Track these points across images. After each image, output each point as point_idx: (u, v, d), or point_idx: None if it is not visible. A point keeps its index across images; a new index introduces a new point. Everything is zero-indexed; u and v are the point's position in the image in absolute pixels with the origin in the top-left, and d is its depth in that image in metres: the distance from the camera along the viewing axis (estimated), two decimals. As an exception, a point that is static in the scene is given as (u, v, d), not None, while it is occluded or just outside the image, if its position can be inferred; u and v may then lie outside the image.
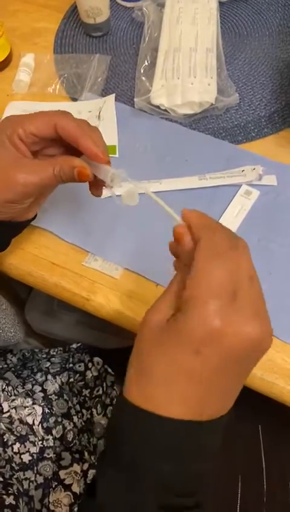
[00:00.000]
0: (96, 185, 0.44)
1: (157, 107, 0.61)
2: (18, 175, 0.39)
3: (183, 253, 0.33)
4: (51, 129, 0.40)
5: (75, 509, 0.48)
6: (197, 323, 0.27)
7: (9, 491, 0.43)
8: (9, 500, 0.42)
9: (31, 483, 0.48)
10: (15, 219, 0.44)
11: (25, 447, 0.51)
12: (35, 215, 0.48)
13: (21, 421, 0.52)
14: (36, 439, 0.52)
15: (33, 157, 0.42)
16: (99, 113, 0.62)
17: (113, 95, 0.64)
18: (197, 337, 0.27)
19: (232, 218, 0.54)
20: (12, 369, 0.66)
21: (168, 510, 0.30)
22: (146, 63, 0.66)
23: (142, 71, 0.65)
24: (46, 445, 0.53)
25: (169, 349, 0.29)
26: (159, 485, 0.30)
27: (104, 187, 0.43)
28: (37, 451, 0.51)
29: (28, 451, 0.51)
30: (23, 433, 0.52)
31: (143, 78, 0.64)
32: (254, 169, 0.56)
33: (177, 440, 0.29)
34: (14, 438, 0.51)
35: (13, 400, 0.54)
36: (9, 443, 0.50)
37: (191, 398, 0.29)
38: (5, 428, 0.50)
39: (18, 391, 0.58)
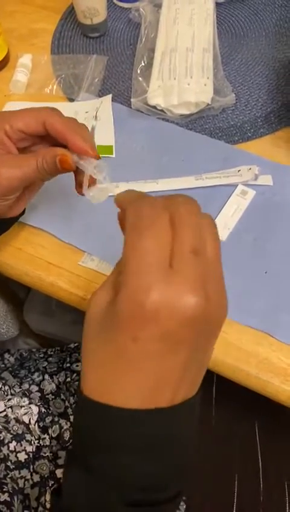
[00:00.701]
0: (82, 183, 0.43)
1: (154, 107, 0.61)
2: (1, 169, 0.39)
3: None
4: (40, 126, 0.40)
5: None
6: (128, 307, 0.25)
7: (4, 489, 0.43)
8: (4, 497, 0.42)
9: (26, 482, 0.48)
10: (0, 216, 0.44)
11: (21, 445, 0.51)
12: (23, 212, 0.48)
13: (17, 420, 0.53)
14: (32, 438, 0.52)
15: (18, 153, 0.42)
16: (96, 113, 0.62)
17: (110, 95, 0.64)
18: (131, 323, 0.25)
19: (228, 217, 0.54)
20: (10, 368, 0.66)
21: (138, 507, 0.28)
22: (143, 64, 0.66)
23: (139, 72, 0.65)
24: (42, 444, 0.53)
25: (108, 336, 0.27)
26: (122, 482, 0.28)
27: (84, 186, 0.42)
28: (33, 450, 0.52)
29: (24, 449, 0.51)
30: (20, 432, 0.52)
31: (140, 78, 0.64)
32: (250, 169, 0.56)
33: (132, 431, 0.27)
34: (11, 436, 0.51)
35: (9, 399, 0.54)
36: (6, 441, 0.50)
37: (141, 387, 0.26)
38: (1, 427, 0.51)
39: (15, 390, 0.58)
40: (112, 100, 0.64)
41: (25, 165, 0.39)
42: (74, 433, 0.30)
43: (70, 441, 0.55)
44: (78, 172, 0.42)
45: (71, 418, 0.58)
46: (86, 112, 0.63)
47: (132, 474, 0.28)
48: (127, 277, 0.25)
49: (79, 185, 0.43)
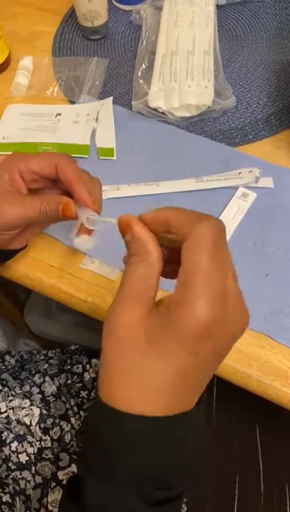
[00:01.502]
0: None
1: (155, 109, 0.62)
2: (6, 205, 0.40)
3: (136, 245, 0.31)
4: (52, 169, 0.41)
5: None
6: (193, 322, 0.26)
7: (6, 490, 0.43)
8: (6, 497, 0.42)
9: (27, 483, 0.49)
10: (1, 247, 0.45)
11: (23, 446, 0.51)
12: (25, 247, 0.49)
13: (18, 421, 0.53)
14: (34, 439, 0.52)
15: (27, 194, 0.43)
16: (97, 115, 0.62)
17: (111, 97, 0.65)
18: (194, 337, 0.26)
19: (229, 220, 0.54)
20: (10, 370, 0.66)
21: (150, 502, 0.29)
22: (144, 66, 0.66)
23: (139, 74, 0.65)
24: (44, 445, 0.53)
25: (162, 349, 0.27)
26: (137, 480, 0.28)
27: (73, 233, 0.44)
28: (35, 451, 0.52)
29: (25, 451, 0.51)
30: (21, 433, 0.52)
31: (141, 81, 0.64)
32: (250, 171, 0.56)
33: (160, 437, 0.28)
34: (13, 436, 0.51)
35: (11, 400, 0.54)
36: (8, 441, 0.50)
37: (179, 395, 0.28)
38: (2, 428, 0.51)
39: (16, 392, 0.58)
40: (113, 102, 0.64)
41: (29, 206, 0.41)
42: (92, 445, 0.30)
43: (71, 443, 0.55)
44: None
45: (72, 420, 0.58)
46: (87, 114, 0.63)
47: (149, 473, 0.29)
48: (192, 294, 0.26)
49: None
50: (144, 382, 0.28)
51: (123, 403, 0.28)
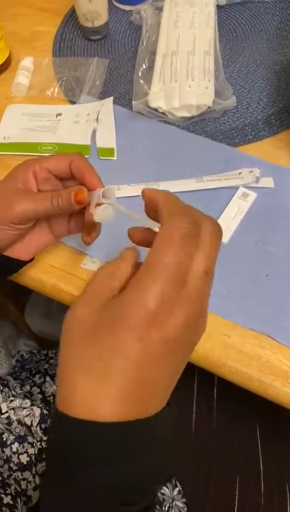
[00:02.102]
0: (88, 231, 0.45)
1: (155, 110, 0.62)
2: (17, 198, 0.41)
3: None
4: (66, 166, 0.42)
5: None
6: (141, 306, 0.26)
7: (7, 491, 0.43)
8: (7, 499, 0.42)
9: (28, 484, 0.49)
10: (4, 251, 0.45)
11: (24, 447, 0.51)
12: (30, 261, 0.48)
13: (19, 422, 0.53)
14: (34, 440, 0.52)
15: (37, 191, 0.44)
16: (98, 116, 0.62)
17: (111, 98, 0.65)
18: (139, 323, 0.26)
19: (229, 220, 0.54)
20: (11, 370, 0.66)
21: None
22: (144, 66, 0.66)
23: (140, 74, 0.65)
24: (44, 446, 0.53)
25: (106, 337, 0.26)
26: (98, 496, 0.27)
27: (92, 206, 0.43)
28: (36, 452, 0.52)
29: (26, 451, 0.51)
30: (22, 434, 0.52)
31: (141, 81, 0.64)
32: (251, 171, 0.56)
33: (119, 444, 0.26)
34: (13, 437, 0.51)
35: (12, 400, 0.54)
36: (8, 442, 0.50)
37: (133, 394, 0.26)
38: (3, 429, 0.51)
39: (16, 392, 0.58)
40: (113, 103, 0.64)
41: (40, 199, 0.42)
42: (51, 451, 0.29)
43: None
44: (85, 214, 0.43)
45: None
46: (88, 115, 0.63)
47: (112, 486, 0.27)
48: (142, 282, 0.27)
49: (86, 234, 0.45)
50: (94, 378, 0.26)
51: (71, 406, 0.27)
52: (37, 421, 0.54)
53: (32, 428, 0.54)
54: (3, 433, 0.51)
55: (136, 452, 0.27)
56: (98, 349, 0.27)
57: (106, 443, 0.26)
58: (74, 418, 0.26)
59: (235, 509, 0.56)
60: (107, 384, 0.26)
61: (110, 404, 0.26)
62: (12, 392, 0.58)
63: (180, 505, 0.55)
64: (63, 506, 0.28)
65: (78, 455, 0.26)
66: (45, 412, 0.56)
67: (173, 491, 0.57)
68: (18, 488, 0.46)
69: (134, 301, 0.26)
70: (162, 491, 0.56)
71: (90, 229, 0.44)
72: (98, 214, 0.41)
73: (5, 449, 0.49)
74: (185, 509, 0.56)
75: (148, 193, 0.33)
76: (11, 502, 0.43)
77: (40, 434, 0.54)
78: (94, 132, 0.62)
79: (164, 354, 0.27)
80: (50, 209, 0.42)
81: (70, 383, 0.27)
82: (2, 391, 0.56)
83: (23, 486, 0.48)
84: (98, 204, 0.41)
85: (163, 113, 0.62)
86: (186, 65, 0.61)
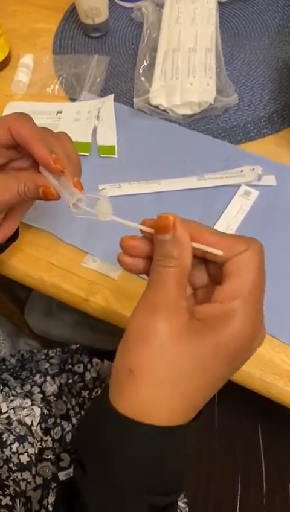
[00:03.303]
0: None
1: (156, 107, 0.61)
2: None
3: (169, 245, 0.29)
4: (7, 133, 0.37)
5: None
6: (237, 337, 0.27)
7: (6, 492, 0.43)
8: (6, 500, 0.42)
9: (28, 484, 0.48)
10: None
11: (24, 447, 0.51)
12: (16, 236, 0.46)
13: (19, 421, 0.52)
14: (35, 440, 0.52)
15: None
16: (98, 113, 0.62)
17: (112, 95, 0.64)
18: (233, 351, 0.28)
19: (231, 218, 0.53)
20: (11, 370, 0.66)
21: (153, 508, 0.29)
22: (145, 64, 0.65)
23: (141, 71, 0.65)
24: (45, 446, 0.53)
25: (202, 360, 0.28)
26: (143, 488, 0.29)
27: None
28: (36, 452, 0.51)
29: (26, 452, 0.50)
30: (22, 433, 0.52)
31: (142, 78, 0.64)
32: (253, 169, 0.56)
33: (172, 446, 0.28)
34: (13, 437, 0.50)
35: (12, 400, 0.54)
36: (8, 442, 0.50)
37: (197, 404, 0.29)
38: (3, 429, 0.50)
39: (16, 392, 0.58)
40: (114, 100, 0.64)
41: (5, 190, 0.38)
42: (96, 444, 0.30)
43: (73, 443, 0.55)
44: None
45: (73, 420, 0.57)
46: (88, 112, 0.63)
47: (155, 481, 0.29)
48: (247, 310, 0.28)
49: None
50: (178, 393, 0.28)
51: (145, 414, 0.28)
52: (38, 421, 0.54)
53: (32, 428, 0.53)
54: (3, 433, 0.50)
55: (174, 452, 0.29)
56: (191, 373, 0.28)
57: (148, 442, 0.28)
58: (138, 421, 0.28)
59: (237, 509, 0.56)
60: (184, 406, 0.28)
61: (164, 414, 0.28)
62: (13, 391, 0.57)
63: (182, 505, 0.55)
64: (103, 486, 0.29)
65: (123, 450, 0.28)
66: (45, 411, 0.55)
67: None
68: (17, 489, 0.46)
69: (231, 330, 0.27)
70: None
71: None
72: (100, 212, 0.36)
73: (4, 449, 0.49)
74: (187, 509, 0.55)
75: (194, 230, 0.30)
76: (10, 503, 0.43)
77: (40, 434, 0.53)
78: (95, 130, 0.61)
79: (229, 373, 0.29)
80: (18, 199, 0.38)
81: (151, 399, 0.28)
82: (2, 391, 0.56)
83: (23, 487, 0.47)
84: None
85: (164, 110, 0.61)
86: (187, 62, 0.61)
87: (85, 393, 0.61)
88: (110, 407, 0.28)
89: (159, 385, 0.28)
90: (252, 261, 0.28)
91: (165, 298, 0.28)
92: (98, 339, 0.84)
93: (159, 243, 0.29)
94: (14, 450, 0.50)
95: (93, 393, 0.61)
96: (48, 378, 0.62)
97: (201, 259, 0.31)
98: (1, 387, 0.56)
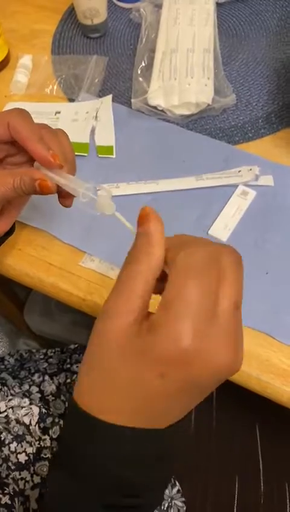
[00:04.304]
0: (65, 195, 0.41)
1: (155, 107, 0.61)
2: None
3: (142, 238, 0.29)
4: (5, 129, 0.38)
5: None
6: (166, 346, 0.25)
7: (5, 491, 0.43)
8: (5, 499, 0.42)
9: (26, 483, 0.48)
10: None
11: (22, 446, 0.51)
12: (12, 231, 0.47)
13: (18, 421, 0.52)
14: (33, 439, 0.52)
15: None
16: (97, 113, 0.62)
17: (111, 95, 0.64)
18: (164, 360, 0.25)
19: (228, 218, 0.54)
20: (10, 369, 0.66)
21: (112, 509, 0.29)
22: (143, 64, 0.66)
23: (139, 72, 0.65)
24: (43, 445, 0.53)
25: (133, 365, 0.27)
26: (103, 487, 0.29)
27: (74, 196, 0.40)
28: (34, 451, 0.51)
29: (25, 451, 0.51)
30: (20, 433, 0.52)
31: (140, 79, 0.64)
32: (250, 169, 0.56)
33: (130, 448, 0.28)
34: (11, 437, 0.51)
35: (10, 399, 0.54)
36: (6, 442, 0.50)
37: (146, 413, 0.28)
38: (1, 428, 0.51)
39: (15, 391, 0.58)
40: (113, 100, 0.64)
41: (1, 184, 0.38)
42: (62, 438, 0.31)
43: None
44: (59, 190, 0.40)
45: (72, 419, 0.57)
46: (87, 112, 0.63)
47: (114, 482, 0.29)
48: (170, 317, 0.25)
49: (62, 196, 0.41)
50: (117, 393, 0.28)
51: (99, 409, 0.28)
52: (36, 420, 0.54)
53: (30, 427, 0.53)
54: (1, 432, 0.50)
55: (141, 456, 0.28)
56: (126, 375, 0.27)
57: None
58: (91, 415, 0.28)
59: (235, 508, 0.56)
60: (128, 410, 0.28)
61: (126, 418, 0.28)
62: (11, 391, 0.57)
63: (180, 504, 0.55)
64: (71, 488, 0.30)
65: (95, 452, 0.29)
66: (44, 411, 0.55)
67: (172, 490, 0.56)
68: (16, 488, 0.46)
69: (161, 338, 0.25)
70: (161, 490, 0.56)
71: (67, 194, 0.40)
72: (100, 207, 0.36)
73: (3, 448, 0.49)
74: (184, 508, 0.55)
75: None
76: (9, 502, 0.43)
77: (39, 433, 0.54)
78: (93, 130, 0.61)
79: (186, 390, 0.27)
80: (14, 194, 0.38)
81: (100, 394, 0.28)
82: (0, 390, 0.56)
83: (21, 486, 0.48)
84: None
85: (162, 110, 0.62)
86: (185, 63, 0.61)
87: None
88: (72, 398, 0.30)
89: (94, 379, 0.28)
90: (180, 265, 0.27)
91: (118, 298, 0.28)
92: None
93: (136, 237, 0.29)
94: (12, 449, 0.50)
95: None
96: (47, 377, 0.62)
97: None
98: (0, 387, 0.56)
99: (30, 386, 0.60)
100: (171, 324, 0.25)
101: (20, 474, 0.49)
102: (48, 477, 0.31)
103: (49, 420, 0.55)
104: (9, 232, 0.47)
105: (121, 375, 0.27)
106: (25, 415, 0.54)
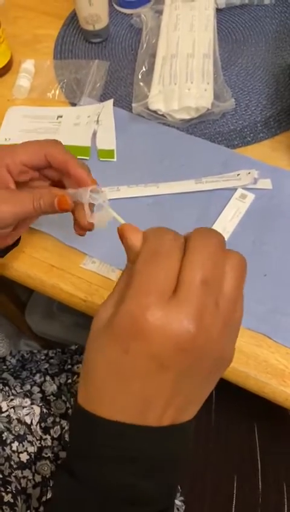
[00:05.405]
0: (80, 224, 0.43)
1: (155, 112, 0.62)
2: None
3: (129, 252, 0.31)
4: (42, 157, 0.41)
5: None
6: (124, 321, 0.26)
7: (8, 489, 0.44)
8: (8, 497, 0.42)
9: (28, 482, 0.49)
10: None
11: (23, 446, 0.51)
12: (18, 242, 0.49)
13: (19, 420, 0.53)
14: (34, 438, 0.53)
15: (16, 188, 0.42)
16: (98, 118, 0.63)
17: (112, 100, 0.65)
18: (125, 335, 0.26)
19: (227, 221, 0.55)
20: (11, 370, 0.67)
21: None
22: (144, 69, 0.67)
23: (140, 77, 0.66)
24: (44, 444, 0.53)
25: (104, 347, 0.27)
26: (102, 490, 0.29)
27: (87, 215, 0.43)
28: (35, 450, 0.52)
29: (26, 450, 0.51)
30: (21, 432, 0.52)
31: (141, 83, 0.65)
32: (249, 173, 0.57)
33: (114, 443, 0.28)
34: (13, 436, 0.51)
35: (12, 399, 0.55)
36: (8, 441, 0.51)
37: (128, 401, 0.27)
38: (3, 427, 0.51)
39: (16, 391, 0.58)
40: (114, 105, 0.65)
41: (21, 202, 0.40)
42: (69, 438, 0.32)
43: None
44: (76, 210, 0.42)
45: (72, 419, 0.58)
46: (88, 116, 0.64)
47: (112, 484, 0.28)
48: (129, 294, 0.26)
49: (78, 226, 0.44)
50: (92, 379, 0.28)
51: (82, 400, 0.29)
52: (37, 420, 0.55)
53: (32, 427, 0.54)
54: (3, 432, 0.51)
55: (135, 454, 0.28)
56: (101, 360, 0.28)
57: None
58: (83, 408, 0.29)
59: (233, 508, 0.57)
60: (108, 393, 0.28)
61: (112, 407, 0.28)
62: (13, 391, 0.58)
63: (178, 503, 0.56)
64: (72, 489, 0.30)
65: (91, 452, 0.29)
66: (45, 410, 0.56)
67: (171, 489, 0.57)
68: (18, 486, 0.46)
69: (121, 311, 0.26)
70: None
71: (81, 223, 0.43)
72: (99, 223, 0.41)
73: (5, 447, 0.50)
74: (183, 507, 0.56)
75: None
76: (12, 500, 0.43)
77: (40, 433, 0.54)
78: (94, 134, 0.62)
79: (152, 368, 0.26)
80: (32, 212, 0.40)
81: (81, 385, 0.30)
82: (2, 390, 0.57)
83: (23, 485, 0.48)
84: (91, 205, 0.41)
85: (162, 115, 0.63)
86: (185, 68, 0.62)
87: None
88: (75, 397, 0.31)
89: (83, 373, 0.29)
90: (143, 247, 0.28)
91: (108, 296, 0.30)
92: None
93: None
94: (14, 448, 0.51)
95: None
96: (48, 378, 0.63)
97: None
98: (1, 387, 0.57)
99: (31, 386, 0.61)
100: (129, 300, 0.26)
101: (22, 473, 0.49)
102: (53, 481, 0.32)
103: (50, 420, 0.56)
104: (14, 244, 0.49)
105: (97, 361, 0.28)
106: (26, 415, 0.54)
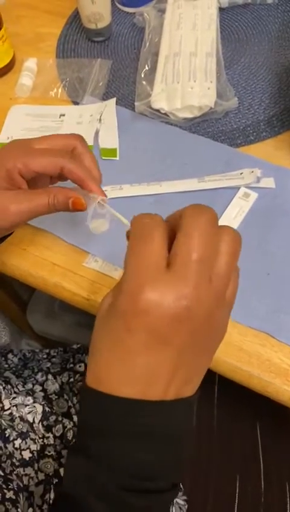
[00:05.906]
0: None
1: (158, 110, 0.62)
2: (11, 204, 0.40)
3: None
4: (57, 170, 0.41)
5: None
6: (125, 301, 0.28)
7: (10, 486, 0.44)
8: (9, 494, 0.43)
9: (30, 480, 0.49)
10: None
11: (26, 443, 0.51)
12: (10, 234, 0.50)
13: (22, 418, 0.53)
14: (36, 436, 0.53)
15: (27, 188, 0.43)
16: (101, 116, 0.63)
17: (114, 99, 0.65)
18: (127, 314, 0.28)
19: (230, 220, 0.54)
20: (13, 368, 0.67)
21: (129, 491, 0.30)
22: (147, 68, 0.67)
23: (142, 75, 0.66)
24: (46, 443, 0.53)
25: (109, 329, 0.29)
26: (114, 466, 0.30)
27: (88, 218, 0.45)
28: (38, 448, 0.52)
29: (29, 448, 0.51)
30: (24, 430, 0.52)
31: (144, 82, 0.65)
32: (252, 172, 0.57)
33: (123, 418, 0.29)
34: (16, 433, 0.51)
35: (14, 397, 0.55)
36: (11, 438, 0.51)
37: (132, 377, 0.29)
38: (6, 425, 0.51)
39: (18, 389, 0.59)
40: (116, 103, 0.65)
41: (36, 201, 0.41)
42: (78, 420, 0.33)
43: (74, 440, 0.55)
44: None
45: (74, 417, 0.58)
46: (91, 115, 0.64)
47: (123, 460, 0.30)
48: (125, 277, 0.29)
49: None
50: (99, 360, 0.30)
51: (91, 381, 0.31)
52: (39, 418, 0.55)
53: (34, 425, 0.54)
54: (6, 429, 0.51)
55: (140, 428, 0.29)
56: (107, 339, 0.30)
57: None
58: (91, 388, 0.30)
59: (236, 507, 0.57)
60: (115, 371, 0.29)
61: (117, 383, 0.29)
62: (15, 389, 0.58)
63: (181, 502, 0.56)
64: (87, 469, 0.31)
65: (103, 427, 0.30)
66: (47, 409, 0.56)
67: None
68: (20, 484, 0.46)
69: (122, 296, 0.28)
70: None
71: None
72: (94, 229, 0.43)
73: (7, 445, 0.50)
74: (186, 506, 0.56)
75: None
76: (14, 497, 0.43)
77: (42, 431, 0.54)
78: (97, 133, 0.62)
79: (152, 342, 0.28)
80: (46, 211, 0.42)
81: (89, 359, 0.32)
82: (4, 388, 0.57)
83: (26, 482, 0.48)
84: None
85: (165, 114, 0.62)
86: (188, 66, 0.62)
87: (86, 391, 0.62)
88: (83, 381, 0.32)
89: (97, 357, 0.31)
90: (132, 230, 0.30)
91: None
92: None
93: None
94: (16, 446, 0.51)
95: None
96: (50, 376, 0.63)
97: None
98: (3, 385, 0.57)
99: (33, 384, 0.61)
100: (126, 282, 0.28)
101: (24, 471, 0.49)
102: (65, 464, 0.33)
103: (52, 418, 0.56)
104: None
105: (103, 342, 0.30)
106: (28, 413, 0.54)
